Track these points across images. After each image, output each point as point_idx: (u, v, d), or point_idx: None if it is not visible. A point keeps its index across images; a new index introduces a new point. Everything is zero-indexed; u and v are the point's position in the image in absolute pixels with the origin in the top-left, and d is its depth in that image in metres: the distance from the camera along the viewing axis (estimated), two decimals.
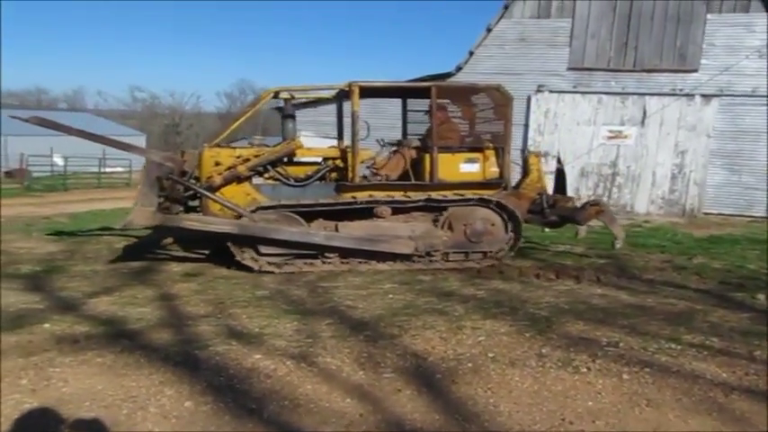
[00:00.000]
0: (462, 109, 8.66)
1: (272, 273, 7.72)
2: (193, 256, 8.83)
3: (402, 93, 9.41)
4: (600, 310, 6.23)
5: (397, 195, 8.11)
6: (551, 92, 17.24)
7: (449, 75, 17.36)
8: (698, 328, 5.66)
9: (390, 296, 6.70)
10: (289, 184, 8.22)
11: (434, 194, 8.09)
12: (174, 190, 7.97)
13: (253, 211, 7.65)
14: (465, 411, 3.86)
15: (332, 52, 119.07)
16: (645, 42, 16.42)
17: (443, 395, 4.10)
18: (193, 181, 8.08)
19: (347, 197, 8.03)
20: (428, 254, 8.14)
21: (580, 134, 17.19)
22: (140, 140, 45.61)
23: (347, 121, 8.48)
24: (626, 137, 16.88)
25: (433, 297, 6.67)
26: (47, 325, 5.38)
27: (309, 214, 7.96)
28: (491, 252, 8.38)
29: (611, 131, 16.94)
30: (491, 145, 8.33)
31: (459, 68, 17.56)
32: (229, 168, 7.85)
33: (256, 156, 8.01)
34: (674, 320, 5.88)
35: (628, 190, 17.06)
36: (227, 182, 7.86)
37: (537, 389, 4.22)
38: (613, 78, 16.78)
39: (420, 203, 8.14)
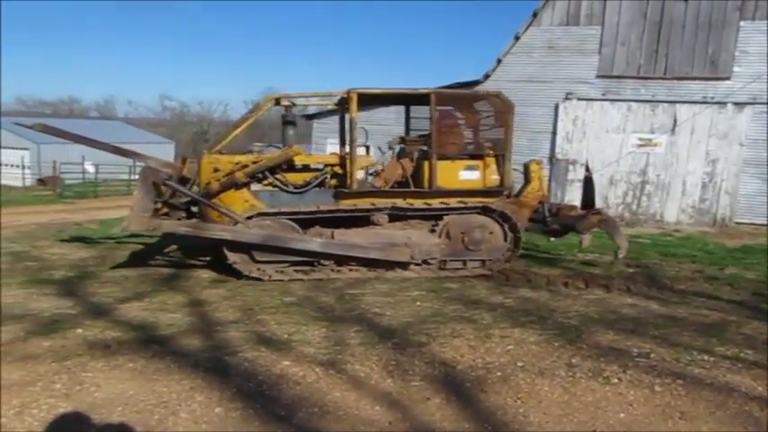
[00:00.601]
0: (464, 116, 8.58)
1: (264, 280, 7.73)
2: (197, 263, 8.90)
3: (402, 99, 9.39)
4: (630, 320, 6.15)
5: (397, 203, 8.04)
6: (580, 99, 17.07)
7: (476, 83, 17.31)
8: (731, 339, 5.56)
9: (418, 303, 6.70)
10: (287, 191, 8.13)
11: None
12: (173, 196, 8.02)
13: (248, 218, 7.68)
14: (494, 421, 3.84)
15: (354, 59, 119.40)
16: (676, 49, 16.18)
17: (472, 404, 4.08)
18: (196, 188, 8.08)
19: (346, 204, 7.99)
20: (425, 261, 8.10)
21: (609, 142, 16.97)
22: (169, 148, 46.31)
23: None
24: (656, 145, 16.62)
25: (461, 305, 6.66)
26: (79, 330, 5.48)
27: (306, 221, 7.95)
28: (489, 260, 8.32)
29: (640, 139, 16.70)
30: (492, 152, 8.26)
31: (486, 76, 17.47)
32: (228, 175, 7.84)
33: (254, 162, 7.97)
34: (706, 332, 5.79)
35: (657, 199, 16.78)
36: (224, 188, 7.82)
37: (567, 399, 4.18)
38: (643, 86, 16.55)
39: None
